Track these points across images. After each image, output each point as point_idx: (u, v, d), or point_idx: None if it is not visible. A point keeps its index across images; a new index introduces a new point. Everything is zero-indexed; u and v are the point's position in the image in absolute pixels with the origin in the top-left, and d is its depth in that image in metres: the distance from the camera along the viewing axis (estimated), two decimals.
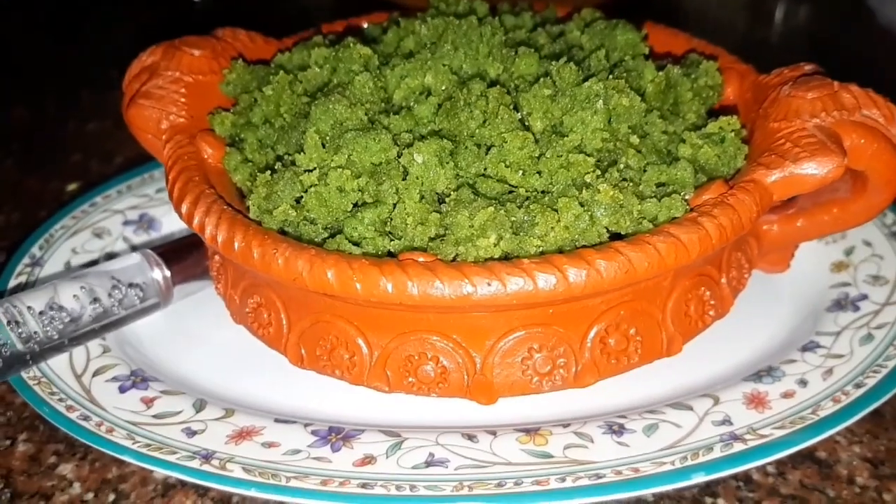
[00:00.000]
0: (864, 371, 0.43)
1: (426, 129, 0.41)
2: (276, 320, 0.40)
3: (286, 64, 0.48)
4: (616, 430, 0.41)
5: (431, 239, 0.36)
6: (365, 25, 0.54)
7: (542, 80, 0.40)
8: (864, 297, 0.48)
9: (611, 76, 0.41)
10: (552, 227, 0.36)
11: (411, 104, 0.42)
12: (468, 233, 0.35)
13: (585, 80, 0.40)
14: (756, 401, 0.42)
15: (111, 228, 0.56)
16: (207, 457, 0.39)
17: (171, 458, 0.39)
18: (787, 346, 0.46)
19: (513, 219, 0.36)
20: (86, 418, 0.42)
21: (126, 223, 0.56)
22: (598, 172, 0.37)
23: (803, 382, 0.43)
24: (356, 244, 0.37)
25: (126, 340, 0.48)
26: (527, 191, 0.38)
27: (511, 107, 0.40)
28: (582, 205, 0.36)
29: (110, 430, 0.41)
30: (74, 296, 0.45)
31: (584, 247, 0.36)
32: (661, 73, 0.43)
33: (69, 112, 0.78)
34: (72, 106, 0.79)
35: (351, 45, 0.44)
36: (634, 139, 0.40)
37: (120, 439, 0.41)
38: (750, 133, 0.42)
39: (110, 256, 0.54)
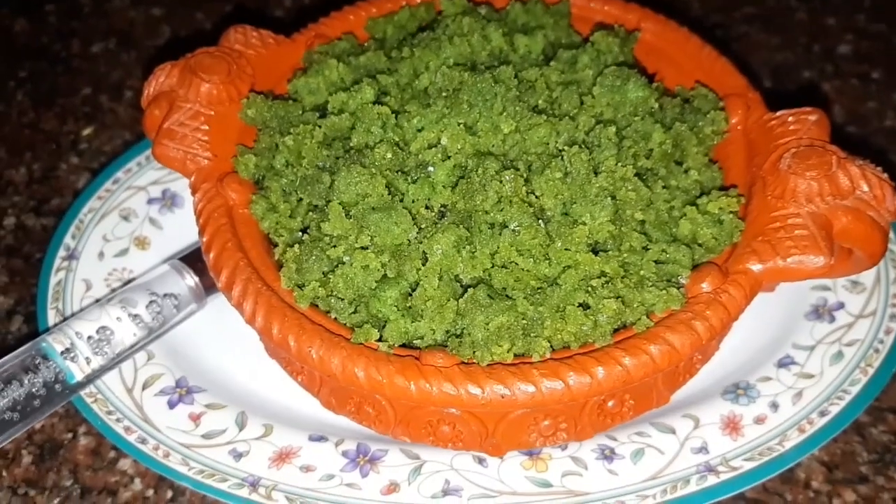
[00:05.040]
0: (830, 397, 0.48)
1: (443, 197, 0.43)
2: (308, 371, 0.45)
3: (301, 91, 0.49)
4: (608, 455, 0.47)
5: (449, 333, 0.40)
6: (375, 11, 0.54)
7: (554, 162, 0.42)
8: (841, 305, 0.52)
9: (618, 160, 0.43)
10: (559, 331, 0.39)
11: (428, 166, 0.44)
12: (484, 335, 0.39)
13: (595, 171, 0.42)
14: (731, 426, 0.48)
15: (137, 209, 0.58)
16: (254, 484, 0.46)
17: (223, 487, 0.46)
18: (765, 352, 0.51)
19: (523, 321, 0.40)
20: (143, 441, 0.48)
21: (150, 201, 0.59)
22: (604, 280, 0.40)
23: (775, 406, 0.48)
24: (382, 325, 0.41)
25: (167, 343, 0.52)
26: (536, 278, 0.41)
27: (523, 184, 0.42)
28: (587, 307, 0.40)
29: (167, 455, 0.47)
30: (118, 318, 0.50)
31: (587, 348, 0.40)
32: (668, 140, 0.44)
33: (71, 25, 0.77)
34: (73, 17, 0.77)
35: (369, 106, 0.45)
36: (638, 215, 0.42)
37: (176, 465, 0.47)
38: (749, 195, 0.45)
39: (140, 241, 0.57)
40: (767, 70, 0.71)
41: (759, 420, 0.48)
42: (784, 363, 0.50)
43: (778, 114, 0.47)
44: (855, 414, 0.48)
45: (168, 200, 0.59)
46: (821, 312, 0.53)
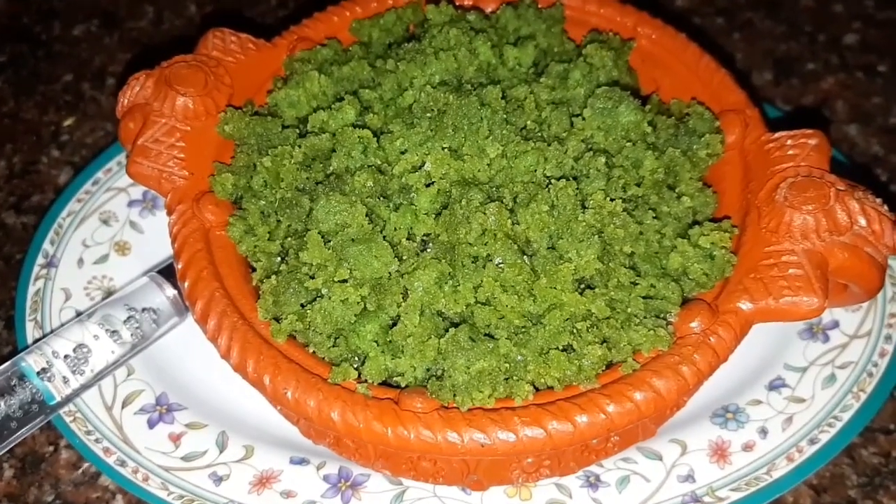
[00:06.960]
0: (821, 423, 0.47)
1: (426, 226, 0.41)
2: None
3: (282, 104, 0.47)
4: (593, 482, 0.46)
5: (430, 372, 0.39)
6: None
7: (541, 194, 0.40)
8: (836, 325, 0.51)
9: (607, 192, 0.41)
10: (542, 375, 0.38)
11: (410, 190, 0.42)
12: (464, 380, 0.38)
13: (583, 204, 0.40)
14: (719, 452, 0.47)
15: (117, 212, 0.57)
16: None
17: None
18: (756, 373, 0.50)
19: (506, 365, 0.38)
20: (122, 463, 0.47)
21: (131, 204, 0.57)
22: (590, 323, 0.39)
23: (764, 432, 0.48)
24: (362, 359, 0.40)
25: (148, 356, 0.51)
26: (520, 316, 0.40)
27: (508, 217, 0.40)
28: (572, 349, 0.39)
29: (146, 479, 0.47)
30: (95, 335, 0.48)
31: (571, 391, 0.39)
32: (660, 167, 0.42)
33: (52, 4, 0.74)
34: None
35: (350, 129, 0.43)
36: (627, 248, 0.41)
37: (156, 489, 0.46)
38: (742, 225, 0.43)
39: (120, 247, 0.56)
40: (770, 61, 0.68)
41: (748, 447, 0.47)
42: (775, 385, 0.49)
43: (776, 135, 0.45)
44: (845, 442, 0.47)
45: (149, 202, 0.57)
46: (815, 331, 0.51)
